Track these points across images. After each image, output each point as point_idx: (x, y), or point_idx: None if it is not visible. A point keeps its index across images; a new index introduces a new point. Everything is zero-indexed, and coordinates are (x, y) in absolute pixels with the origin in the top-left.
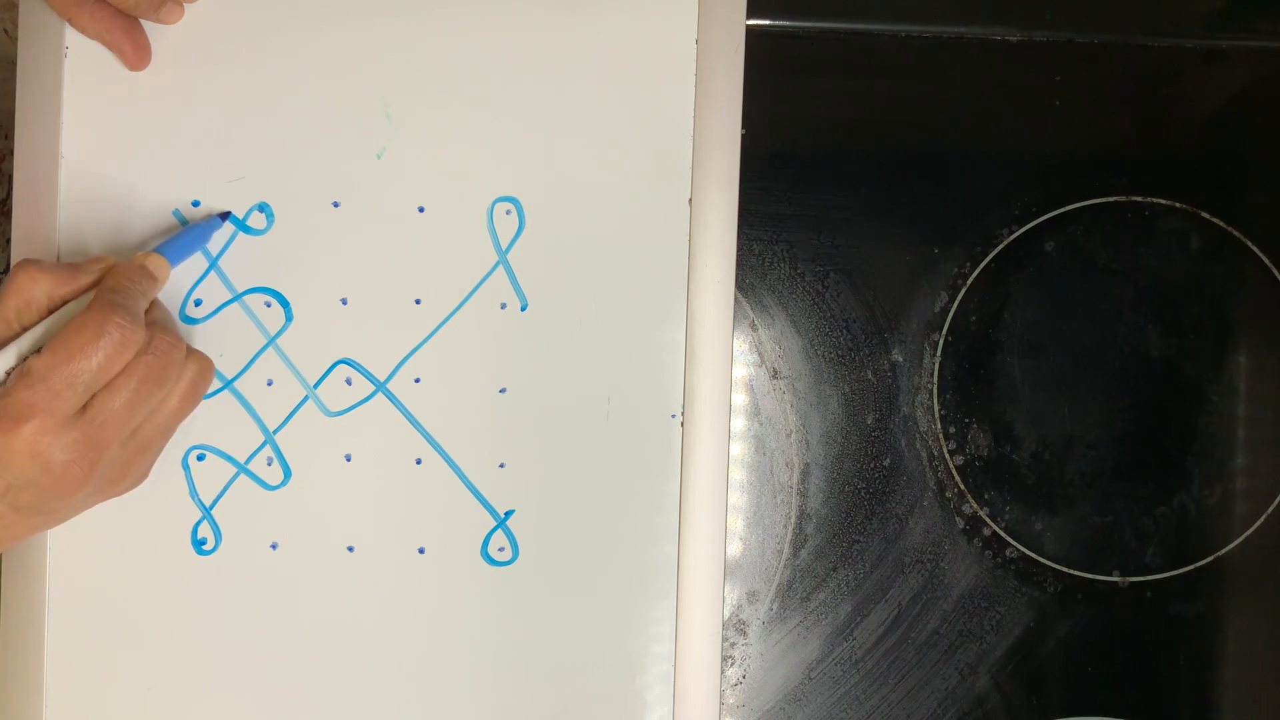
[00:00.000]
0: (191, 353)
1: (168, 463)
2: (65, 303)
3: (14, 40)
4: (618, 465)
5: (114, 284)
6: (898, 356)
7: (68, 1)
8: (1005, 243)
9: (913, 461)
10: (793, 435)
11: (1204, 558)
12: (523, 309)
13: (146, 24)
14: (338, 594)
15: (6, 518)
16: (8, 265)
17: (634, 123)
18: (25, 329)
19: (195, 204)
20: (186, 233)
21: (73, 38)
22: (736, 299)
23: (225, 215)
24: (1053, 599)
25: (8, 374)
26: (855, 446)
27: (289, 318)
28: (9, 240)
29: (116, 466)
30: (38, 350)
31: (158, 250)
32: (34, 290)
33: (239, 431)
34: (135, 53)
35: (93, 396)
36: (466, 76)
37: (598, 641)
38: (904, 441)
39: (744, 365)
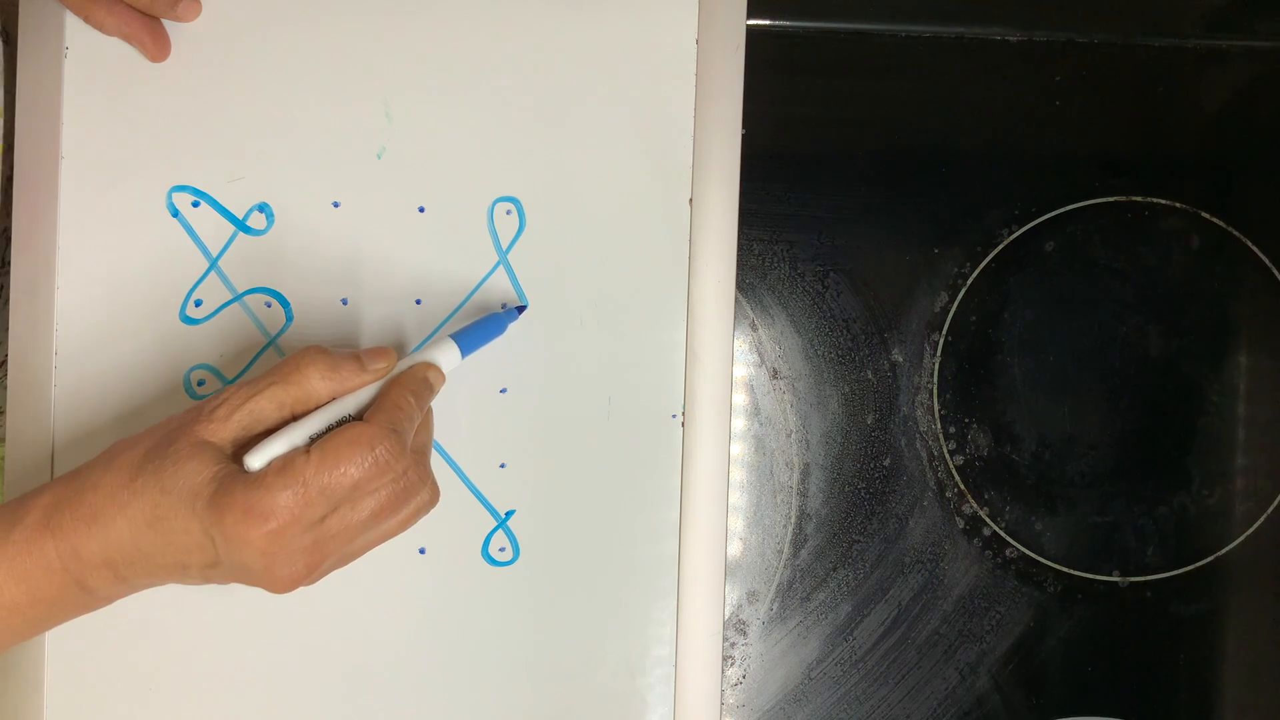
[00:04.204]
0: (429, 484)
1: None
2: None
3: None
4: (618, 465)
5: (396, 400)
6: (898, 356)
7: None
8: (1005, 243)
9: (913, 461)
10: (793, 435)
11: (1204, 558)
12: (523, 309)
13: None
14: (338, 594)
15: (189, 578)
16: (6, 258)
17: (634, 123)
18: (296, 417)
19: (195, 204)
20: (483, 324)
21: (73, 38)
22: (736, 299)
23: (522, 308)
24: (1053, 599)
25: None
26: (855, 446)
27: (289, 318)
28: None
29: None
30: (305, 442)
31: (454, 337)
32: (320, 389)
33: None
34: (155, 45)
35: (334, 509)
36: (466, 76)
37: (599, 641)
38: (904, 441)
39: (744, 365)
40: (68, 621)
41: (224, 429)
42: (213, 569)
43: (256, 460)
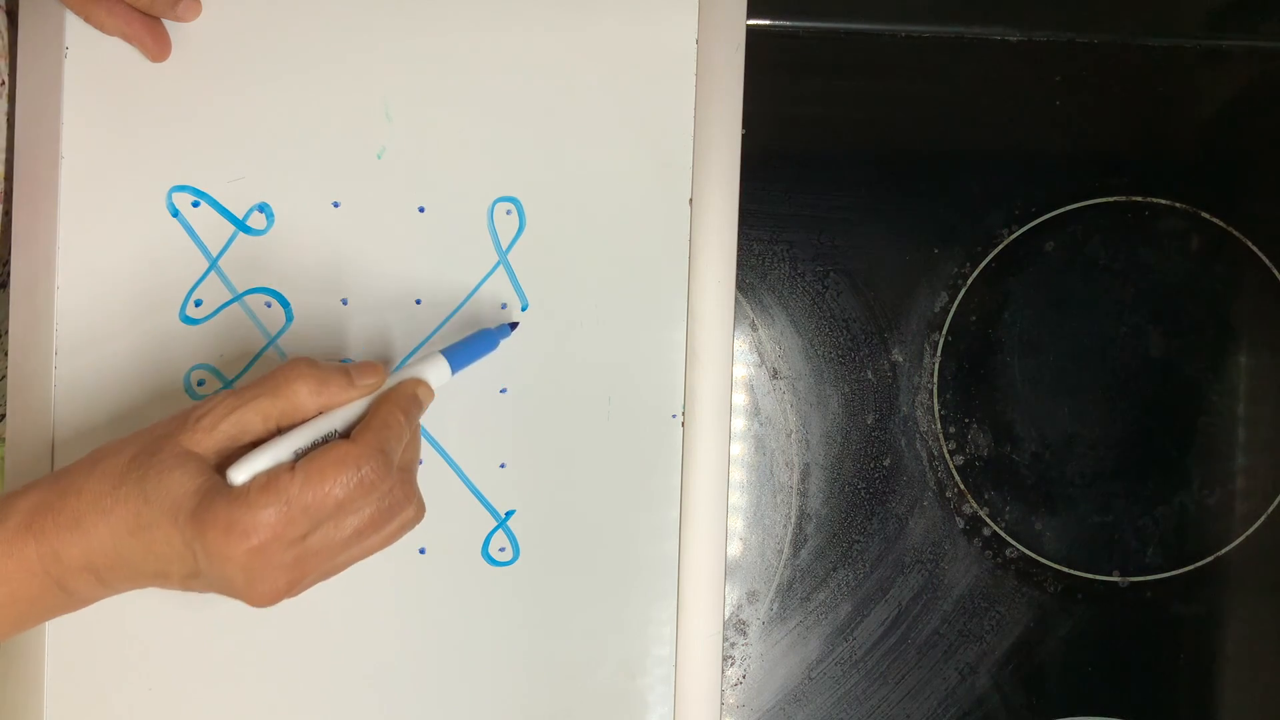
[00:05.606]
0: (415, 501)
1: None
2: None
3: None
4: (618, 465)
5: (385, 419)
6: (898, 356)
7: None
8: (1005, 243)
9: (913, 461)
10: (793, 435)
11: (1204, 558)
12: (523, 309)
13: None
14: (338, 594)
15: (169, 585)
16: (8, 260)
17: (634, 123)
18: (282, 430)
19: (195, 204)
20: (474, 340)
21: (73, 38)
22: (736, 299)
23: (514, 325)
24: (1053, 599)
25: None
26: (855, 446)
27: (289, 318)
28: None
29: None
30: (290, 457)
31: (444, 353)
32: (307, 403)
33: None
34: (156, 44)
35: (317, 526)
36: (466, 76)
37: (598, 641)
38: (904, 441)
39: (744, 365)
40: (48, 620)
41: (208, 439)
42: (193, 579)
43: (240, 475)
